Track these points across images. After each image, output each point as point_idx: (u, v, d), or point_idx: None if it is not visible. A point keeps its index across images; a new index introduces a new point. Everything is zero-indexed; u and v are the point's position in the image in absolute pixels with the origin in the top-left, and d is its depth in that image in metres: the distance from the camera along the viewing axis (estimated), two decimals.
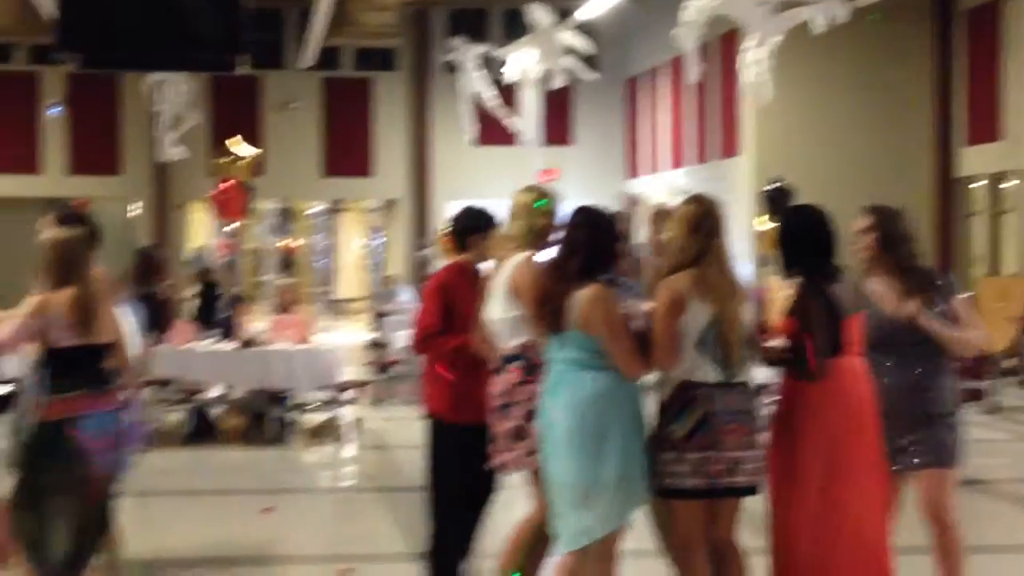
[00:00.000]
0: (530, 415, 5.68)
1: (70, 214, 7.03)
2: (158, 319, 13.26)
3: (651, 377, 5.45)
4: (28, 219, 32.40)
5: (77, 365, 6.03)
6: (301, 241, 40.16)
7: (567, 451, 5.33)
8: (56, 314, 6.00)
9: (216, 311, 14.25)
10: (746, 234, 19.68)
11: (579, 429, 5.31)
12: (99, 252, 7.05)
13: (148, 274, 14.04)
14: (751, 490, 5.43)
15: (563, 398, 5.36)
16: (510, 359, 5.83)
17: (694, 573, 5.46)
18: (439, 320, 6.20)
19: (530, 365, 5.75)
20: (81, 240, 6.23)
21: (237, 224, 21.88)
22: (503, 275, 5.89)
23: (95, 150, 29.18)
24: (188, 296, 14.98)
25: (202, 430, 13.05)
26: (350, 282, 39.69)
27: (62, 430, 5.95)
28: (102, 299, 6.17)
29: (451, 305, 6.19)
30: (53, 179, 28.91)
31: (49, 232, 6.25)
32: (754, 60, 16.79)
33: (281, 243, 39.17)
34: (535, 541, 5.90)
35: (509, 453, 5.82)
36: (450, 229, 6.49)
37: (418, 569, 6.78)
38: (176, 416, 13.49)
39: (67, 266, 6.09)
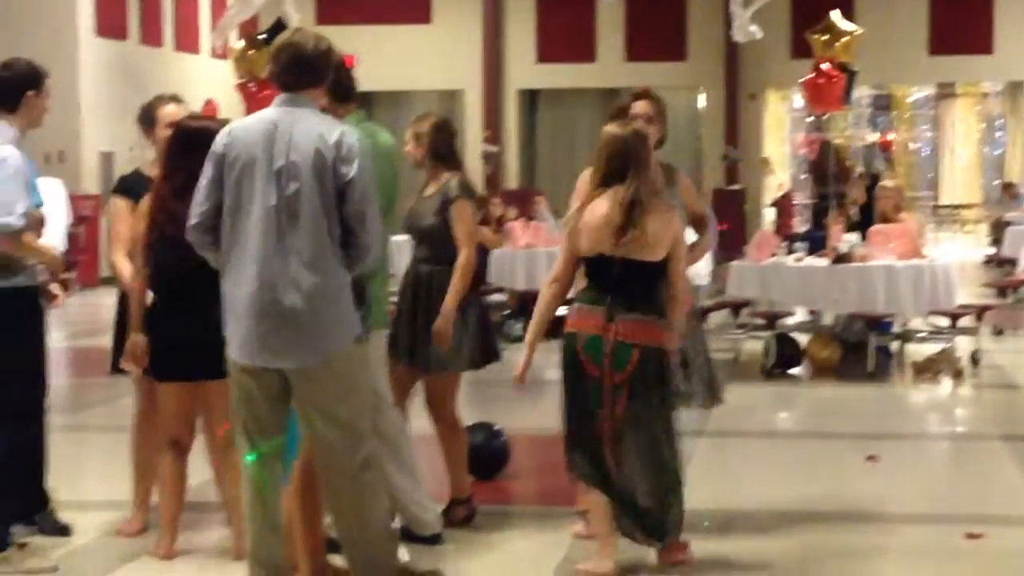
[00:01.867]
0: None
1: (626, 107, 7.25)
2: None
3: None
4: (583, 113, 33.81)
5: (607, 279, 6.26)
6: (900, 134, 39.57)
7: None
8: (592, 219, 6.23)
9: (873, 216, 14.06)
10: None
11: None
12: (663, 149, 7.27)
13: (826, 171, 14.16)
14: None
15: None
16: None
17: None
18: None
19: None
20: (637, 137, 6.41)
21: (825, 116, 21.83)
22: None
23: (656, 33, 29.97)
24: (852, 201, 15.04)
25: (787, 361, 13.17)
26: (961, 184, 38.74)
27: (571, 341, 6.26)
28: (659, 209, 6.32)
29: None
30: (610, 67, 29.99)
31: (609, 127, 6.46)
32: None
33: (876, 137, 38.77)
34: None
35: None
36: None
37: None
38: (756, 345, 13.69)
39: (618, 165, 6.30)
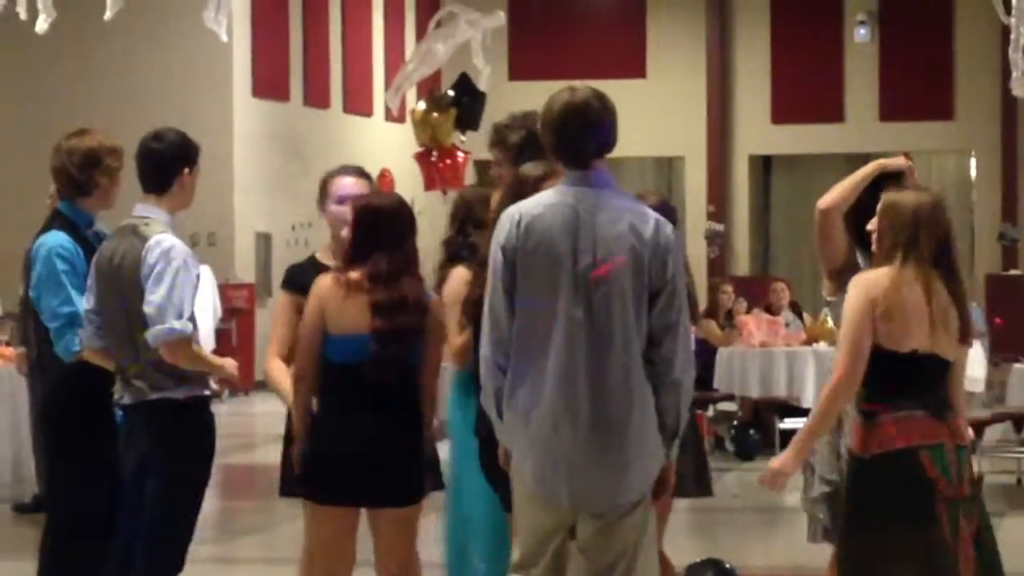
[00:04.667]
0: None
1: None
2: None
3: None
4: (828, 183, 33.77)
5: (921, 377, 6.13)
6: None
7: None
8: (890, 304, 6.10)
9: None
10: None
11: None
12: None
13: None
14: None
15: None
16: None
17: None
18: None
19: None
20: (932, 207, 6.30)
21: None
22: None
23: (918, 87, 29.72)
24: None
25: None
26: None
27: (905, 461, 6.06)
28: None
29: None
30: (861, 128, 29.78)
31: (902, 196, 6.34)
32: None
33: None
34: None
35: None
36: None
37: None
38: None
39: (936, 246, 6.14)
